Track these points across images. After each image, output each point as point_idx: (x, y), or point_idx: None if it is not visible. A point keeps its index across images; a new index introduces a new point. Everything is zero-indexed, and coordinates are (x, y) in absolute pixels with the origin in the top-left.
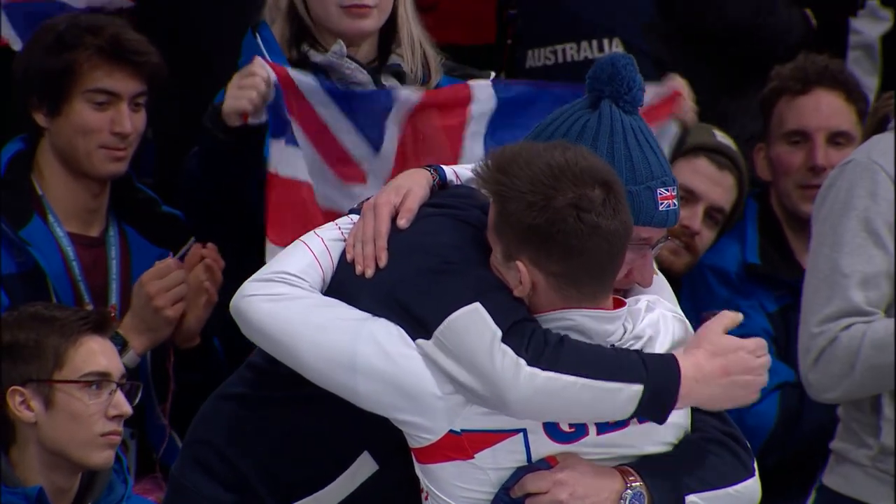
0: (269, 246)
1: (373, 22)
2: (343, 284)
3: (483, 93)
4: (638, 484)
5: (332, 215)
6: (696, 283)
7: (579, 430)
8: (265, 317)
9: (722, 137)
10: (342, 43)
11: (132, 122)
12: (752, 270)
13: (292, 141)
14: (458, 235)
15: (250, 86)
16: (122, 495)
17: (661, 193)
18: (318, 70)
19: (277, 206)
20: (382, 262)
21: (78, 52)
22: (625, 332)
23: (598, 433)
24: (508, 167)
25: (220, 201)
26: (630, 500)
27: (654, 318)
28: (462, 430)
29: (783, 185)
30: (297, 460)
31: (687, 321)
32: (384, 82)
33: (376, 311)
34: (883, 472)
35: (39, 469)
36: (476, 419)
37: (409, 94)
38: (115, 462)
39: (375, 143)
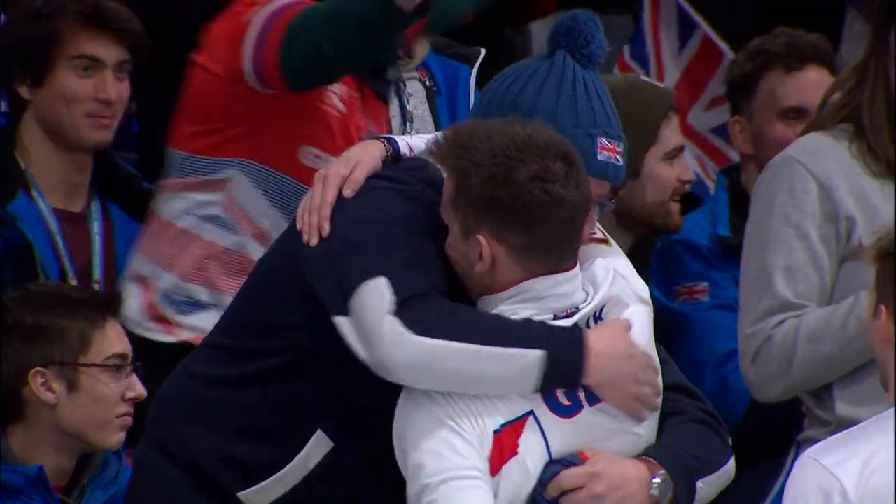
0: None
1: None
2: (294, 252)
3: None
4: (663, 472)
5: None
6: (668, 258)
7: (575, 404)
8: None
9: (662, 86)
10: None
11: (117, 89)
12: (723, 243)
13: None
14: (397, 210)
15: None
16: (116, 471)
17: (601, 142)
18: None
19: None
20: (325, 232)
21: (60, 19)
22: (587, 295)
23: (590, 405)
24: (468, 141)
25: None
26: (658, 488)
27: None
28: (500, 428)
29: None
30: (251, 441)
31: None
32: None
33: (312, 280)
34: None
35: (46, 450)
36: (497, 417)
37: None
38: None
39: None
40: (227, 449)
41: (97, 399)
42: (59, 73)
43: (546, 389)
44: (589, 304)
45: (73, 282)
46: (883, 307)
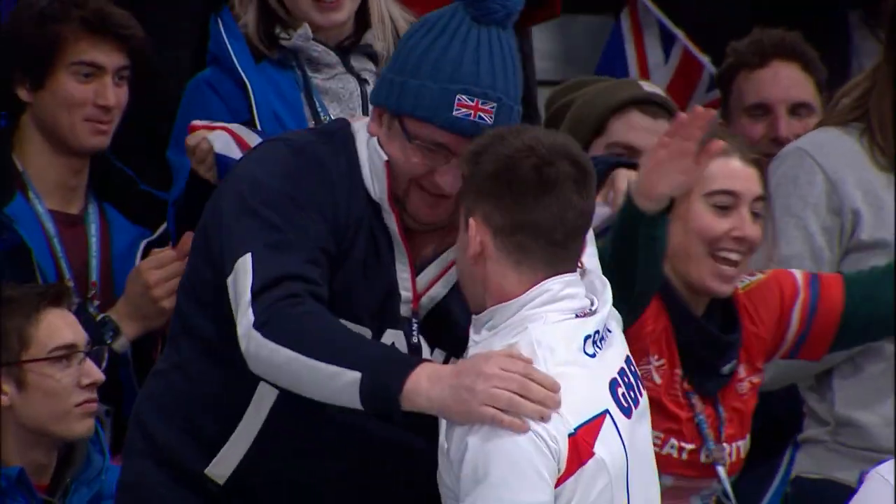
0: None
1: (345, 13)
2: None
3: None
4: None
5: None
6: None
7: (629, 405)
8: None
9: (649, 87)
10: (307, 26)
11: (115, 95)
12: None
13: None
14: (290, 168)
15: (201, 157)
16: (100, 468)
17: (460, 100)
18: (288, 53)
19: None
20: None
21: (63, 24)
22: (592, 303)
23: (636, 406)
24: (487, 141)
25: None
26: None
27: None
28: (574, 430)
29: None
30: (208, 411)
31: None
32: (354, 63)
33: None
34: (841, 445)
35: (18, 449)
36: (574, 416)
37: None
38: (93, 434)
39: None
40: (185, 429)
41: (49, 393)
42: (60, 77)
43: (371, 411)
44: (601, 310)
45: (70, 284)
46: None
